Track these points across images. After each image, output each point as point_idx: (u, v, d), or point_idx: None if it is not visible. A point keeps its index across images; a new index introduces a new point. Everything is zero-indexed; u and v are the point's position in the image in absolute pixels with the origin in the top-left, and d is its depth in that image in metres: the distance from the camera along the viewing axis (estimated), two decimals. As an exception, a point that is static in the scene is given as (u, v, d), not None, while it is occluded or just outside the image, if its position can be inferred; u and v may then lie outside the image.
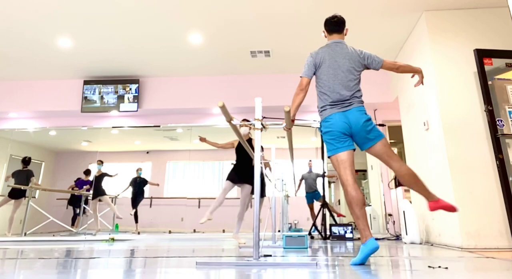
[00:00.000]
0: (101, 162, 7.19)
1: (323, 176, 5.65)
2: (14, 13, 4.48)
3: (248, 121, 4.45)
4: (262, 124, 2.37)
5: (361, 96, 2.46)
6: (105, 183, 7.16)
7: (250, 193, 4.49)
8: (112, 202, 7.63)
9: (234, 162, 4.63)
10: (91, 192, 7.32)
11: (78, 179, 7.64)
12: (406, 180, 2.38)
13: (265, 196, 4.85)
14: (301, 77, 2.51)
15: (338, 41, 2.56)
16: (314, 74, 2.52)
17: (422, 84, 2.70)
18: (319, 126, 6.03)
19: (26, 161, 6.81)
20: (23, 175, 6.63)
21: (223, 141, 4.82)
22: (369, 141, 2.36)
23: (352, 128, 2.34)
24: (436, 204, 2.44)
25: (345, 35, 2.63)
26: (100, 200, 6.99)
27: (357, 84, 2.46)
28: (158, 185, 7.90)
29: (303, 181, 7.18)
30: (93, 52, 5.58)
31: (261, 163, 2.49)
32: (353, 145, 2.38)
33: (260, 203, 2.34)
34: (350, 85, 2.42)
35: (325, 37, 2.65)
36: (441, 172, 3.88)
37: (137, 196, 7.44)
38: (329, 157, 2.45)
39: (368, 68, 2.55)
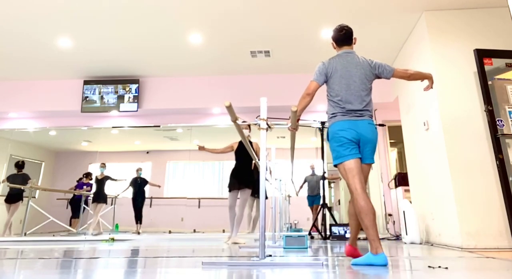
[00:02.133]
0: (104, 165, 7.19)
1: (323, 177, 5.65)
2: (14, 13, 4.48)
3: (244, 122, 4.45)
4: (267, 124, 2.37)
5: (372, 109, 2.45)
6: (107, 186, 7.17)
7: (248, 197, 4.49)
8: (112, 202, 7.63)
9: (233, 167, 4.63)
10: (90, 193, 7.32)
11: (80, 180, 7.63)
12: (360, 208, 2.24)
13: (267, 198, 4.86)
14: (311, 81, 2.48)
15: (349, 51, 2.53)
16: (325, 82, 2.49)
17: (432, 88, 2.68)
18: (319, 127, 6.01)
19: (19, 165, 6.74)
20: (18, 179, 6.56)
21: (223, 144, 4.82)
22: (366, 159, 2.38)
23: (361, 138, 2.33)
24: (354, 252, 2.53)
25: (354, 44, 2.60)
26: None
27: (368, 94, 2.44)
28: (159, 186, 7.90)
29: (306, 183, 7.21)
30: (93, 52, 5.58)
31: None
32: (358, 154, 2.34)
33: (258, 204, 2.34)
34: (362, 95, 2.40)
35: (334, 48, 2.62)
36: (441, 172, 3.88)
37: (138, 196, 7.44)
38: (335, 165, 2.41)
39: (379, 77, 2.53)
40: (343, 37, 2.55)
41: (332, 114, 2.43)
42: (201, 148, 4.65)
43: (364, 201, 2.22)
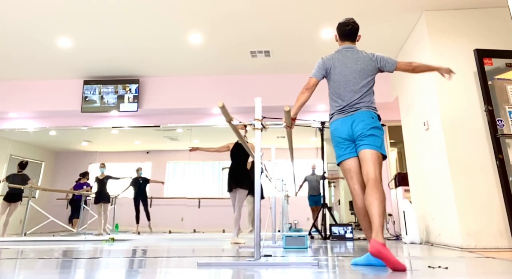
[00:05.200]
0: (103, 165, 7.20)
1: (323, 178, 5.65)
2: (14, 13, 4.48)
3: (244, 125, 4.46)
4: (262, 124, 2.36)
5: (372, 101, 2.35)
6: (108, 185, 7.18)
7: (245, 197, 4.50)
8: (112, 202, 7.63)
9: (228, 167, 4.65)
10: (90, 192, 7.33)
11: (78, 180, 7.64)
12: (367, 194, 2.12)
13: (263, 197, 4.86)
14: (310, 77, 2.45)
15: (349, 46, 2.48)
16: (325, 77, 2.46)
17: (452, 74, 2.55)
18: (319, 127, 5.99)
19: (22, 165, 6.69)
20: (18, 179, 6.52)
21: (223, 144, 4.83)
22: (365, 145, 2.23)
23: (354, 130, 2.26)
24: (380, 247, 1.90)
25: (358, 41, 2.53)
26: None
27: (369, 89, 2.37)
28: (163, 183, 7.92)
29: (306, 183, 7.21)
30: (93, 52, 5.58)
31: (261, 163, 2.48)
32: (356, 152, 2.29)
33: (259, 204, 2.34)
34: (362, 91, 2.34)
35: (336, 41, 2.56)
36: (441, 172, 3.88)
37: (139, 196, 7.45)
38: (337, 165, 2.41)
39: (381, 71, 2.45)
40: (348, 32, 2.48)
41: (331, 114, 2.42)
42: (193, 149, 4.65)
43: (362, 203, 2.21)
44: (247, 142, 4.61)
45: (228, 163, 4.76)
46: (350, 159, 2.29)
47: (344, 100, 2.34)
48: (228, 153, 4.78)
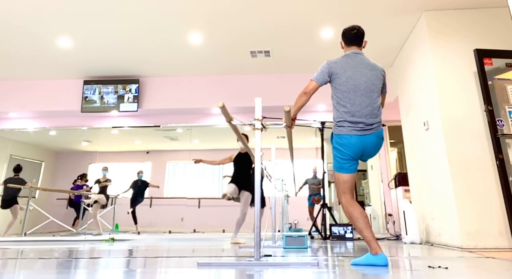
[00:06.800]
0: (106, 168, 7.21)
1: (323, 180, 5.65)
2: (14, 13, 4.48)
3: (246, 136, 4.46)
4: (262, 124, 2.36)
5: (381, 114, 2.36)
6: (109, 188, 7.20)
7: (249, 200, 4.51)
8: (113, 202, 7.63)
9: (230, 175, 4.67)
10: (90, 193, 7.33)
11: (75, 182, 7.65)
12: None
13: (265, 206, 4.86)
14: (311, 80, 2.37)
15: (357, 51, 2.42)
16: (328, 83, 2.38)
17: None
18: (319, 127, 5.97)
19: (17, 169, 6.70)
20: (15, 183, 6.50)
21: (223, 144, 4.85)
22: (363, 159, 2.42)
23: (364, 152, 2.30)
24: None
25: (364, 48, 2.48)
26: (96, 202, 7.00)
27: (379, 96, 2.35)
28: (158, 187, 7.93)
29: (306, 185, 7.23)
30: (93, 52, 5.58)
31: (261, 164, 2.48)
32: (357, 168, 2.35)
33: (259, 203, 2.34)
34: (373, 96, 2.31)
35: (342, 48, 2.52)
36: (441, 172, 3.88)
37: (137, 197, 7.48)
38: (333, 169, 2.43)
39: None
40: (354, 36, 2.44)
41: (339, 121, 2.30)
42: (198, 161, 4.69)
43: (352, 207, 2.25)
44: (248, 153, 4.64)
45: (227, 166, 4.78)
46: (352, 174, 2.31)
47: (354, 105, 2.27)
48: (228, 153, 4.80)
